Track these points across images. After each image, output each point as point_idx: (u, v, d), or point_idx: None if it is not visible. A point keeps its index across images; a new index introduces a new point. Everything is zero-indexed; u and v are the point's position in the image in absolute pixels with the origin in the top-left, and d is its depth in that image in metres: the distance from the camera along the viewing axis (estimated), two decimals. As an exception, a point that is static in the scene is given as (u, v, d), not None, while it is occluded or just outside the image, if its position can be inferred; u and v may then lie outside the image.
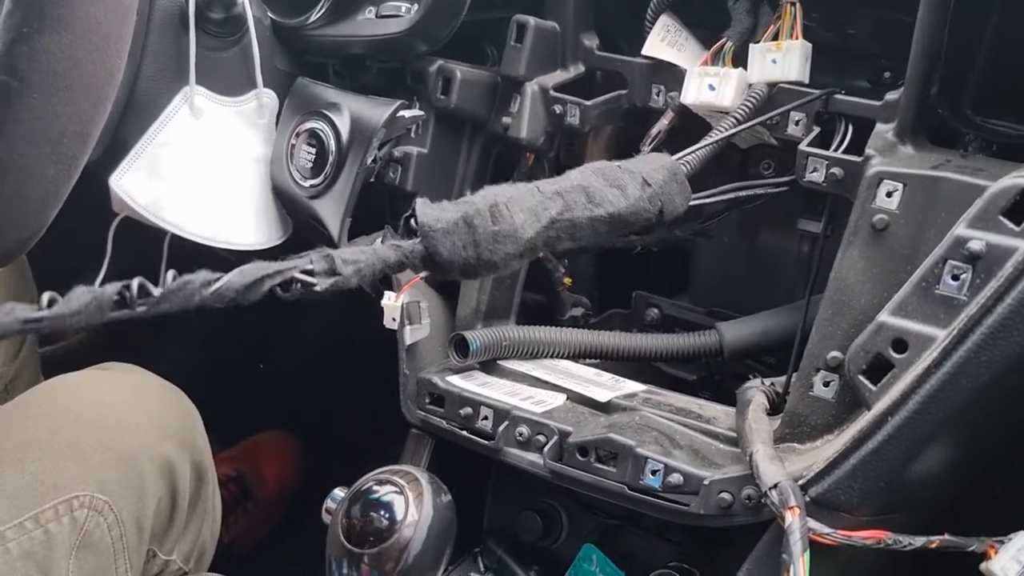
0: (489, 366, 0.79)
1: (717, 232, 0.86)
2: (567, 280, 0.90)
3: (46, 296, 0.43)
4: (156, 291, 0.45)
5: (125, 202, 0.77)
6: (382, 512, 0.56)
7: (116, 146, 0.79)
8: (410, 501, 0.56)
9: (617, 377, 0.78)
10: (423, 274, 0.78)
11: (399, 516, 0.56)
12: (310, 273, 0.48)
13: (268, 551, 1.23)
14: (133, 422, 0.71)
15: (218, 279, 0.46)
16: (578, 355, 0.80)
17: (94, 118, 0.60)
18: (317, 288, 0.48)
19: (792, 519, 0.54)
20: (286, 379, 1.35)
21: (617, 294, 0.94)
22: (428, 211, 0.51)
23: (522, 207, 0.52)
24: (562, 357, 0.80)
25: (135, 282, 0.44)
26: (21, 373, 0.91)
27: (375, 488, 0.58)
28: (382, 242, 0.60)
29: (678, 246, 0.91)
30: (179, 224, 0.78)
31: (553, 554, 0.78)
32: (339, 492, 0.65)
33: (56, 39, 0.56)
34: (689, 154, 0.65)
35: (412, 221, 0.53)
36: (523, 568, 0.78)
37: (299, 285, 0.48)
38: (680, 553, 0.73)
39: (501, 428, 0.72)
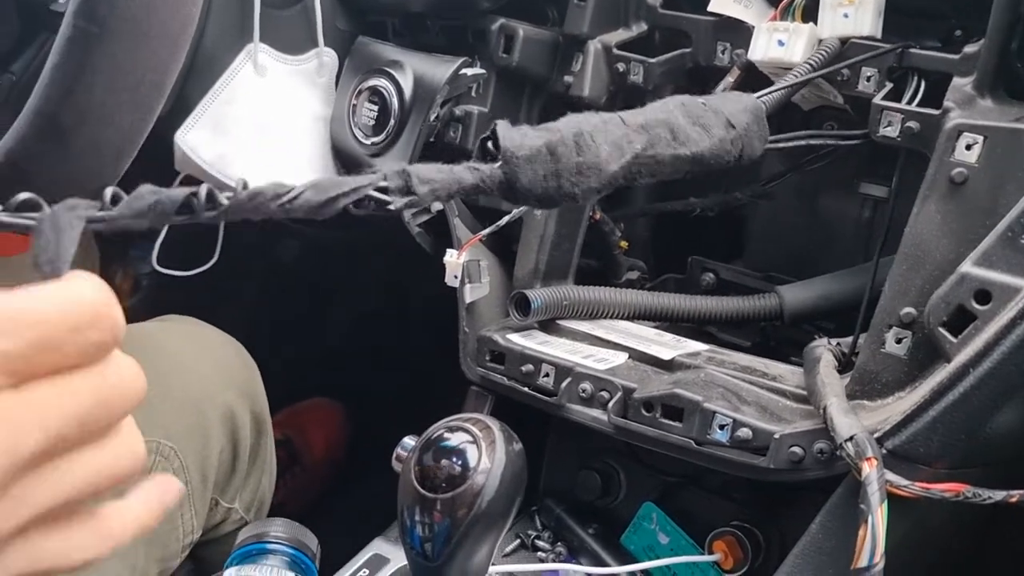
0: (548, 325, 0.79)
1: (775, 195, 0.86)
2: (624, 244, 0.90)
3: (109, 191, 0.39)
4: (224, 200, 0.42)
5: (190, 159, 0.78)
6: (455, 459, 0.56)
7: (179, 103, 0.80)
8: (483, 448, 0.56)
9: (679, 337, 0.78)
10: (485, 232, 0.78)
11: (472, 463, 0.56)
12: (384, 191, 0.46)
13: (313, 515, 1.25)
14: (196, 371, 0.71)
15: (289, 191, 0.43)
16: (637, 316, 0.79)
17: (171, 66, 0.61)
18: (391, 206, 0.46)
19: (870, 470, 0.53)
20: (333, 346, 1.36)
21: (672, 259, 0.93)
22: (510, 135, 0.49)
23: (607, 139, 0.51)
24: (621, 318, 0.79)
25: (203, 188, 0.42)
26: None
27: (447, 435, 0.58)
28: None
29: (733, 211, 0.90)
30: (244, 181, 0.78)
31: (612, 513, 0.78)
32: (409, 440, 0.65)
33: (136, -15, 0.56)
34: (768, 94, 0.64)
35: (490, 144, 0.52)
36: (582, 526, 0.78)
37: (373, 202, 0.45)
38: (742, 512, 0.73)
39: (564, 384, 0.72)
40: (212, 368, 0.72)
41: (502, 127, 0.49)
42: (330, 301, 1.36)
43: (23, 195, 0.40)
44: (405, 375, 1.23)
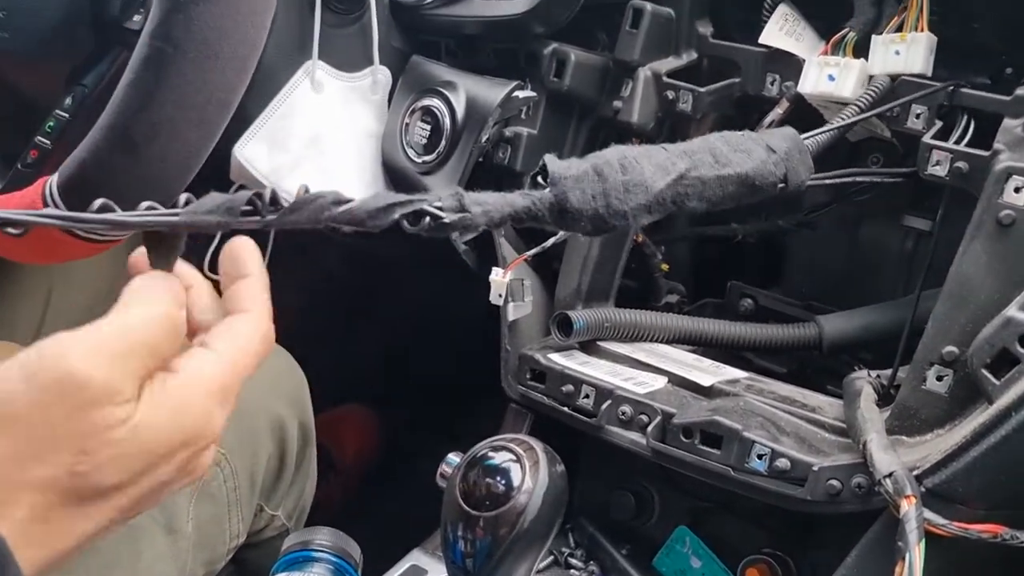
0: (588, 346, 0.80)
1: (817, 224, 0.86)
2: (664, 266, 0.91)
3: (183, 196, 0.43)
4: (286, 202, 0.44)
5: (247, 170, 0.80)
6: (499, 478, 0.57)
7: (238, 117, 0.82)
8: (527, 469, 0.58)
9: (717, 363, 0.78)
10: (531, 253, 0.79)
11: (516, 482, 0.57)
12: (439, 210, 0.47)
13: (344, 521, 1.27)
14: (248, 380, 0.73)
15: (350, 200, 0.45)
16: (677, 340, 0.80)
17: (237, 86, 0.63)
18: (445, 220, 0.47)
19: (908, 508, 0.54)
20: (370, 354, 1.38)
21: (711, 283, 0.94)
22: (557, 162, 0.51)
23: (651, 161, 0.52)
24: (661, 341, 0.81)
25: (267, 190, 0.44)
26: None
27: (491, 454, 0.59)
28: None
29: (772, 238, 0.91)
30: (297, 194, 0.80)
31: (645, 534, 0.79)
32: (454, 457, 0.67)
33: (209, 9, 0.59)
34: (812, 136, 0.65)
35: (540, 177, 0.53)
36: (615, 546, 0.79)
37: (428, 219, 0.47)
38: (776, 541, 0.73)
39: (604, 406, 0.73)
40: (263, 378, 0.74)
41: (550, 158, 0.51)
42: (370, 310, 1.38)
43: (99, 200, 0.42)
44: (439, 388, 1.25)
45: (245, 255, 0.46)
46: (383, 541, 0.81)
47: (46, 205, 0.64)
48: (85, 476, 0.37)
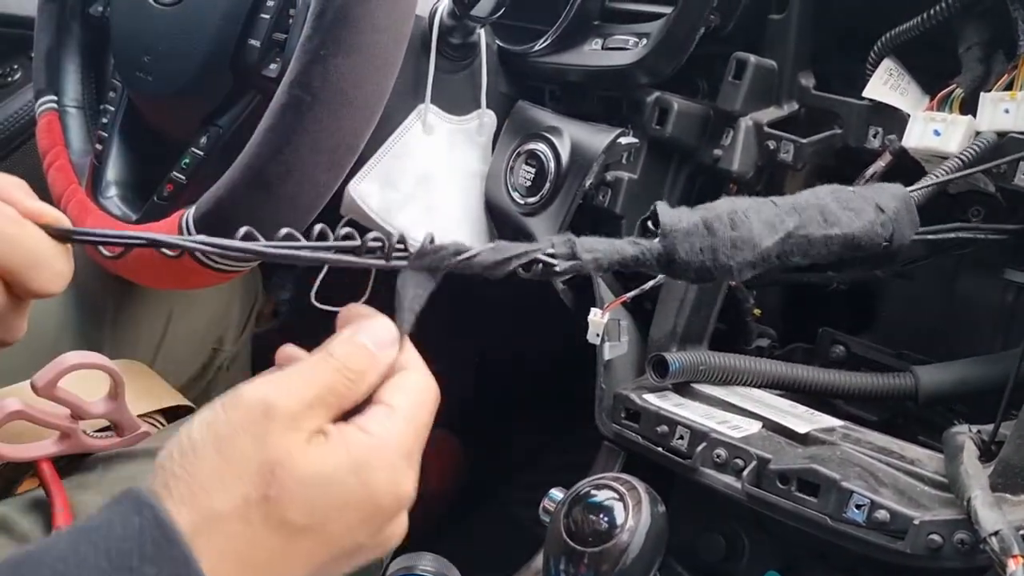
0: (682, 388, 0.82)
1: (913, 274, 0.86)
2: (756, 311, 0.92)
3: (318, 227, 0.46)
4: (413, 249, 0.47)
5: (359, 207, 0.84)
6: (602, 515, 0.59)
7: (352, 155, 0.87)
8: (629, 507, 0.60)
9: (811, 410, 0.79)
10: (631, 295, 0.81)
11: (619, 520, 0.59)
12: (552, 256, 0.50)
13: (425, 546, 1.29)
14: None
15: (469, 250, 0.47)
16: (772, 385, 0.81)
17: (365, 131, 0.67)
18: (557, 268, 0.50)
19: (1015, 568, 0.54)
20: (457, 381, 1.41)
21: (799, 329, 0.95)
22: (669, 212, 0.53)
23: (760, 217, 0.54)
24: (756, 386, 0.82)
25: (396, 235, 0.46)
26: (240, 353, 1.00)
27: (594, 492, 0.61)
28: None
29: (864, 286, 0.91)
30: (406, 230, 0.84)
31: (733, 577, 0.80)
32: (557, 492, 0.69)
33: (347, 61, 0.63)
34: (919, 189, 0.66)
35: (650, 223, 0.55)
36: (703, 587, 0.80)
37: (540, 266, 0.50)
38: (868, 592, 0.74)
39: (699, 448, 0.74)
40: None
41: (662, 207, 0.53)
42: (462, 338, 1.42)
43: (244, 228, 0.46)
44: (528, 422, 1.27)
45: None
46: (468, 569, 0.83)
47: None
48: (276, 503, 0.38)
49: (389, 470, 0.41)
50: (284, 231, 0.47)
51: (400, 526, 0.44)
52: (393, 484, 0.41)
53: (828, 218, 0.58)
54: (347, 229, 0.48)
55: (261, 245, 0.46)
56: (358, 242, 0.47)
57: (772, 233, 0.56)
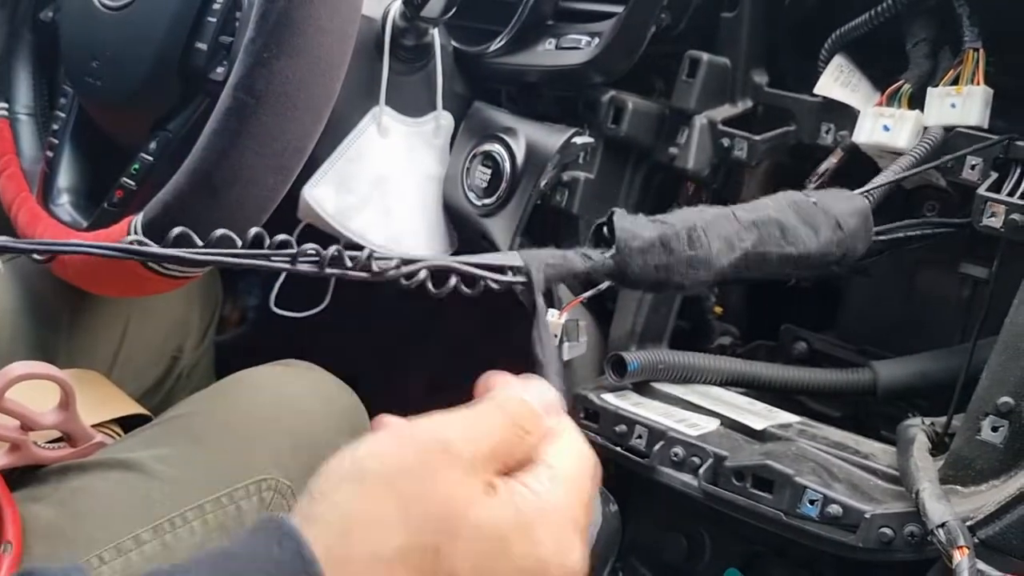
0: (641, 387, 0.82)
1: (872, 270, 0.87)
2: (718, 309, 0.92)
3: (252, 231, 0.46)
4: (349, 261, 0.46)
5: (314, 211, 0.84)
6: (554, 516, 0.59)
7: (308, 159, 0.86)
8: (580, 508, 0.59)
9: (770, 407, 0.79)
10: (586, 295, 0.81)
11: (570, 521, 0.59)
12: (501, 271, 0.50)
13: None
14: (314, 415, 0.77)
15: (412, 262, 0.47)
16: (731, 383, 0.81)
17: (312, 134, 0.67)
18: (497, 288, 0.49)
19: (961, 559, 0.54)
20: (415, 385, 1.41)
21: (763, 326, 0.95)
22: (626, 226, 0.53)
23: (719, 235, 0.54)
24: (714, 384, 0.82)
25: (332, 248, 0.45)
26: (201, 360, 0.99)
27: (546, 493, 0.61)
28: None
29: (828, 283, 0.92)
30: (363, 234, 0.84)
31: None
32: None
33: (290, 63, 0.63)
34: (872, 189, 0.66)
35: (605, 230, 0.55)
36: (665, 587, 0.80)
37: (484, 283, 0.49)
38: (826, 587, 0.74)
39: (656, 447, 0.74)
40: (329, 413, 0.78)
41: (619, 216, 0.53)
42: (423, 344, 1.41)
43: (177, 229, 0.45)
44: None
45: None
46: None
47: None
48: (447, 556, 0.35)
49: (557, 535, 0.39)
50: (218, 233, 0.47)
51: None
52: (560, 553, 0.39)
53: (787, 236, 0.58)
54: (283, 236, 0.47)
55: (187, 252, 0.45)
56: (295, 249, 0.46)
57: (730, 252, 0.56)
